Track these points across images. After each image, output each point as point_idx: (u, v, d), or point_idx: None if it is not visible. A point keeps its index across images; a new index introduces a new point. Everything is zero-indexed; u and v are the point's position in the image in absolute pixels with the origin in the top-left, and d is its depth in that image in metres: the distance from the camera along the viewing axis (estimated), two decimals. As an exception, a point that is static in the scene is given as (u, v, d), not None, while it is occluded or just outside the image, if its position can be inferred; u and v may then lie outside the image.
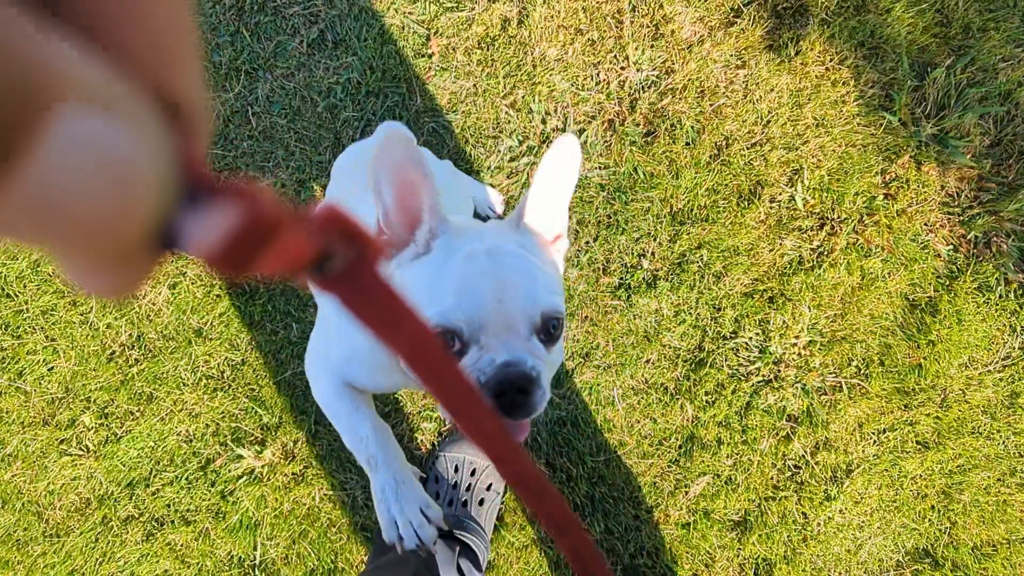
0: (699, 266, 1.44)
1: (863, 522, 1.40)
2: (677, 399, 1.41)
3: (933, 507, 1.41)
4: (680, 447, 1.41)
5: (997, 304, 1.43)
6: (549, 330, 0.62)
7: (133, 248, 0.18)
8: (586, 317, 1.43)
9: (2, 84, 0.13)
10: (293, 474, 1.40)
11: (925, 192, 1.46)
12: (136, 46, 0.17)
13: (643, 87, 1.48)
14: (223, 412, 1.42)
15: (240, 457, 1.40)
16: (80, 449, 1.43)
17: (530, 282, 0.61)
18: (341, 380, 0.84)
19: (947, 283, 1.44)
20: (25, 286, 1.46)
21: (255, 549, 1.39)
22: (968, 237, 1.45)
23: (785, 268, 1.44)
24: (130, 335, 1.44)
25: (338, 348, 0.83)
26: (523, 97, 1.48)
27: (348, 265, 0.24)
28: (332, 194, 1.09)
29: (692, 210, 1.45)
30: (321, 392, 0.87)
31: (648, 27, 1.49)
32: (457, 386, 0.31)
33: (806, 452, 1.41)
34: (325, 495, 1.40)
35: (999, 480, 1.42)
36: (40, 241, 0.16)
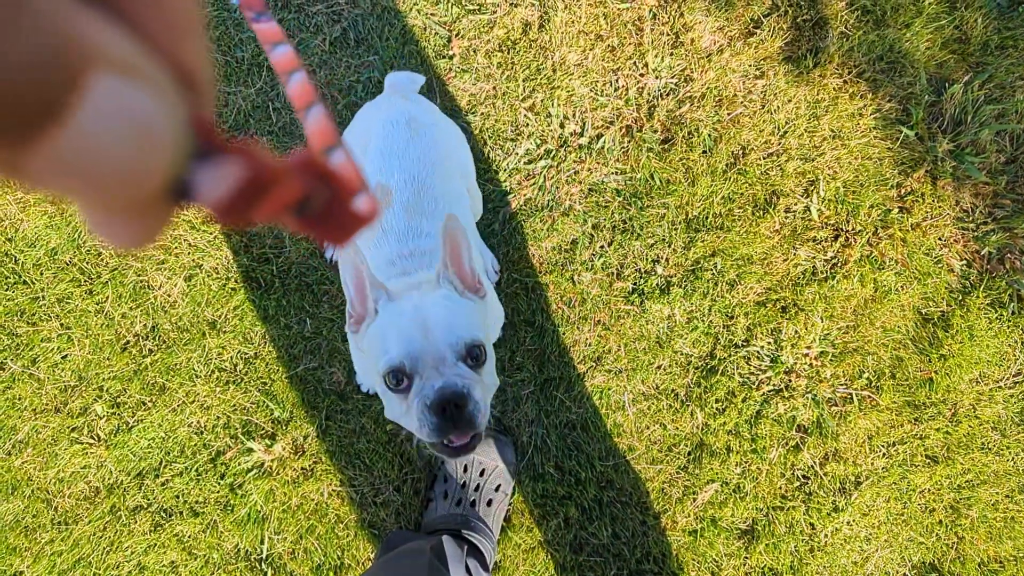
0: (713, 274, 1.44)
1: (870, 534, 1.40)
2: (687, 406, 1.42)
3: (941, 521, 1.41)
4: (689, 454, 1.41)
5: (1009, 320, 1.43)
6: (474, 356, 0.79)
7: (152, 200, 0.20)
8: (599, 321, 1.43)
9: (48, 53, 0.15)
10: (302, 469, 1.41)
11: (940, 207, 1.46)
12: (153, 24, 0.20)
13: (661, 94, 1.48)
14: (235, 405, 1.43)
15: (250, 450, 1.41)
16: (91, 438, 1.43)
17: (449, 320, 0.78)
18: None
19: (960, 298, 1.45)
20: (42, 273, 1.47)
21: (262, 543, 1.39)
22: (982, 253, 1.45)
23: (799, 278, 1.45)
24: (145, 325, 1.45)
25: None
26: (542, 101, 1.49)
27: (324, 204, 0.26)
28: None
29: (707, 218, 1.46)
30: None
31: (668, 35, 1.50)
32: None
33: (815, 463, 1.41)
34: (334, 491, 1.40)
35: (1007, 496, 1.41)
36: (69, 192, 0.18)
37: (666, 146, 1.47)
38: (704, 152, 1.47)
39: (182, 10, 0.21)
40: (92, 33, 0.17)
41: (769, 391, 1.42)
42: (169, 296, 1.45)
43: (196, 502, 1.41)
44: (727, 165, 1.47)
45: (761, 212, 1.46)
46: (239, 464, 1.41)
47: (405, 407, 0.80)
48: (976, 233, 1.46)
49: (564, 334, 1.43)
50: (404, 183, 0.99)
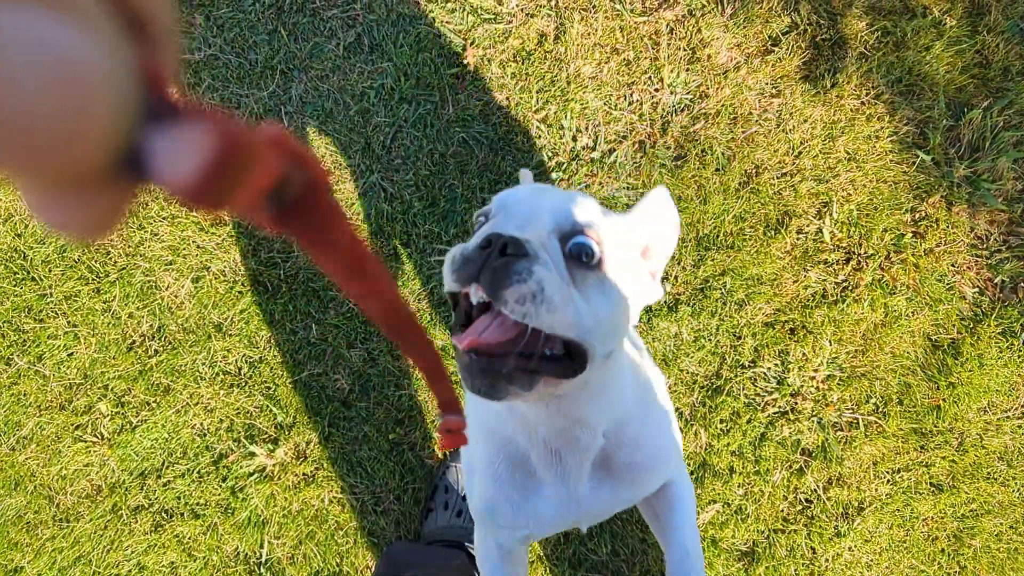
0: (722, 293, 1.43)
1: (872, 561, 1.39)
2: (692, 425, 1.41)
3: (943, 550, 1.40)
4: (692, 473, 1.40)
5: (1020, 350, 1.42)
6: (581, 249, 0.53)
7: (94, 172, 0.16)
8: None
9: None
10: (304, 475, 1.41)
11: (954, 233, 1.45)
12: None
13: (676, 110, 1.47)
14: (238, 408, 1.43)
15: (252, 454, 1.41)
16: (95, 436, 1.44)
17: (570, 204, 0.55)
18: (494, 542, 0.79)
19: (971, 326, 1.43)
20: (50, 270, 1.48)
21: (262, 547, 1.39)
22: (995, 281, 1.44)
23: (808, 300, 1.43)
24: (151, 326, 1.45)
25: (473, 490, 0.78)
26: (555, 113, 1.48)
27: (299, 192, 0.22)
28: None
29: (718, 236, 1.45)
30: (479, 554, 0.83)
31: (685, 50, 1.49)
32: (387, 296, 0.31)
33: (818, 487, 1.40)
34: (334, 498, 1.40)
35: (1011, 527, 1.40)
36: None
37: (679, 162, 1.46)
38: (717, 170, 1.46)
39: None
40: None
41: (775, 413, 1.41)
42: (176, 297, 1.45)
43: (197, 504, 1.41)
44: (740, 184, 1.46)
45: (773, 232, 1.45)
46: (241, 467, 1.41)
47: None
48: (990, 261, 1.44)
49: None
50: None
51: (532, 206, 0.55)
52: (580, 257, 0.53)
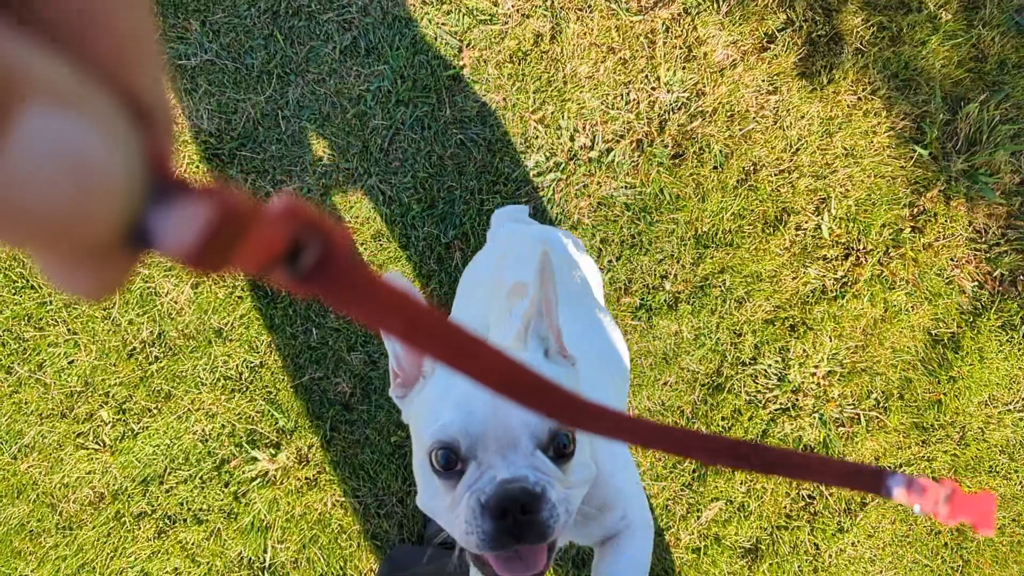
0: (721, 290, 1.43)
1: (875, 556, 1.39)
2: (693, 423, 1.41)
3: (946, 544, 1.40)
4: (694, 471, 1.40)
5: (1020, 343, 1.42)
6: (559, 446, 0.57)
7: (106, 247, 0.18)
8: (606, 336, 1.43)
9: None
10: (306, 479, 1.41)
11: (953, 227, 1.45)
12: (100, 50, 0.18)
13: (673, 108, 1.47)
14: (240, 413, 1.43)
15: (255, 459, 1.41)
16: (96, 443, 1.44)
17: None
18: None
19: (971, 320, 1.43)
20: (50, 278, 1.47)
21: (265, 552, 1.39)
22: (994, 274, 1.44)
23: (808, 297, 1.44)
24: (151, 332, 1.45)
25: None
26: (552, 113, 1.48)
27: (319, 258, 0.24)
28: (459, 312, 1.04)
29: (717, 234, 1.45)
30: None
31: (681, 48, 1.49)
32: (469, 348, 0.28)
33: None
34: (337, 501, 1.40)
35: (1014, 520, 1.40)
36: (8, 240, 0.16)
37: (677, 161, 1.46)
38: (715, 168, 1.46)
39: (132, 33, 0.19)
40: (22, 58, 0.15)
41: (776, 410, 1.41)
42: (176, 303, 1.45)
43: (200, 509, 1.41)
44: (738, 181, 1.46)
45: (771, 229, 1.45)
46: (243, 472, 1.41)
47: (450, 501, 0.58)
48: (989, 254, 1.44)
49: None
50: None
51: (502, 429, 0.56)
52: (560, 447, 0.58)
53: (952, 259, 1.45)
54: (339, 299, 0.25)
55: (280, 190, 1.46)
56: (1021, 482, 1.41)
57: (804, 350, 1.42)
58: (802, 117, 1.47)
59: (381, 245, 1.45)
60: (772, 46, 1.48)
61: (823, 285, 1.44)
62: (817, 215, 1.45)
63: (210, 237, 0.19)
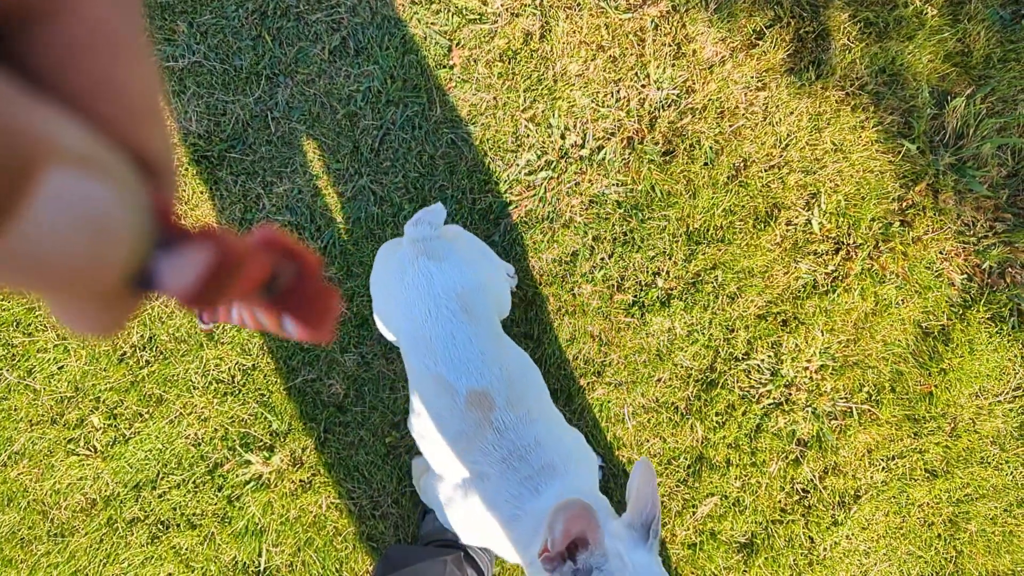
0: (713, 286, 1.44)
1: (869, 548, 1.40)
2: (687, 419, 1.41)
3: (940, 535, 1.41)
4: (689, 467, 1.41)
5: (1009, 335, 1.43)
6: None
7: (114, 292, 0.20)
8: (598, 334, 1.43)
9: (0, 150, 0.15)
10: (301, 481, 1.40)
11: (941, 220, 1.46)
12: (111, 112, 0.19)
13: (663, 106, 1.48)
14: (232, 417, 1.42)
15: (248, 462, 1.40)
16: (88, 449, 1.42)
17: None
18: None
19: (960, 312, 1.44)
20: (38, 283, 1.46)
21: (260, 555, 1.38)
22: (983, 267, 1.45)
23: (799, 291, 1.44)
24: (142, 336, 1.44)
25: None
26: (543, 112, 1.48)
27: (291, 281, 0.27)
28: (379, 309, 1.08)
29: (708, 230, 1.45)
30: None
31: (670, 46, 1.49)
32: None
33: (815, 476, 1.41)
34: (332, 503, 1.39)
35: (1006, 511, 1.42)
36: (27, 289, 0.18)
37: (667, 158, 1.47)
38: (705, 164, 1.46)
39: (141, 97, 0.20)
40: (45, 127, 0.16)
41: (769, 404, 1.42)
42: (166, 307, 1.44)
43: (193, 514, 1.40)
44: (728, 177, 1.46)
45: (762, 225, 1.46)
46: (237, 476, 1.40)
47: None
48: (977, 247, 1.45)
49: (564, 346, 1.43)
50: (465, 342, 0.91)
51: None
52: None
53: (941, 252, 1.46)
54: (309, 316, 0.29)
55: (264, 218, 1.45)
56: (1012, 472, 1.42)
57: (796, 345, 1.43)
58: (791, 113, 1.48)
59: (373, 246, 1.44)
60: (760, 43, 1.49)
61: (814, 280, 1.45)
62: (807, 210, 1.46)
63: (207, 278, 0.21)
